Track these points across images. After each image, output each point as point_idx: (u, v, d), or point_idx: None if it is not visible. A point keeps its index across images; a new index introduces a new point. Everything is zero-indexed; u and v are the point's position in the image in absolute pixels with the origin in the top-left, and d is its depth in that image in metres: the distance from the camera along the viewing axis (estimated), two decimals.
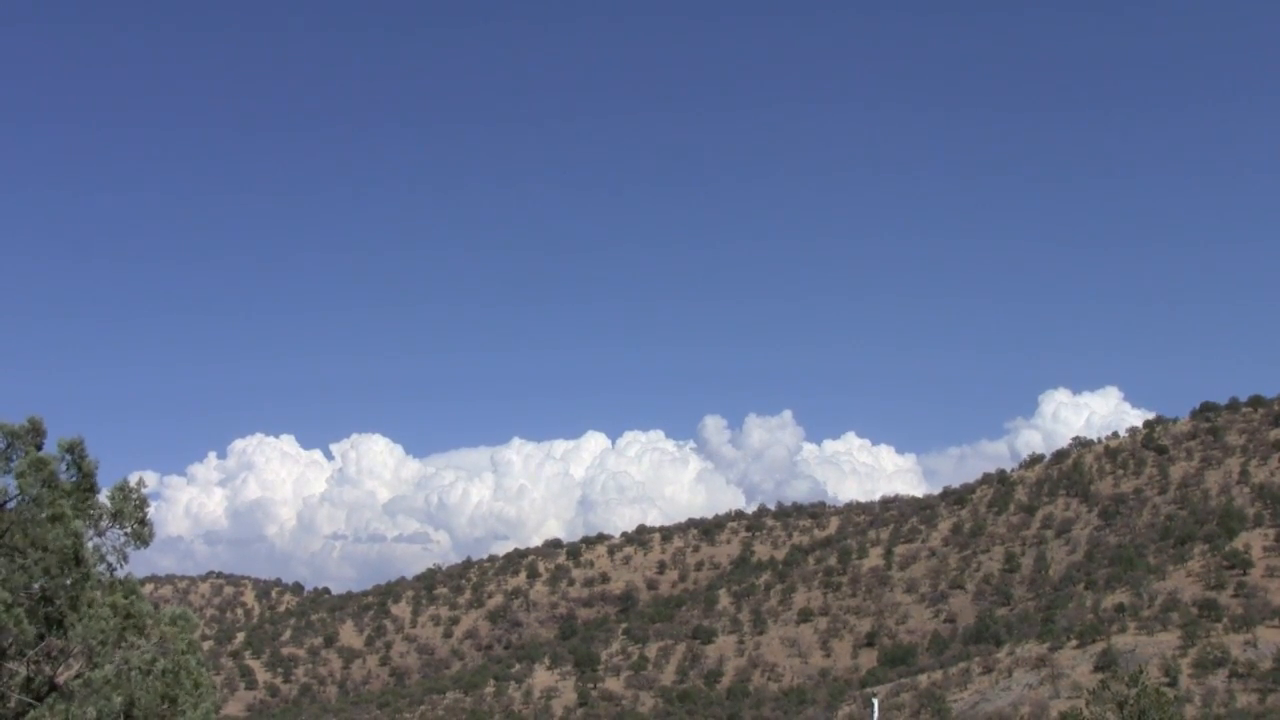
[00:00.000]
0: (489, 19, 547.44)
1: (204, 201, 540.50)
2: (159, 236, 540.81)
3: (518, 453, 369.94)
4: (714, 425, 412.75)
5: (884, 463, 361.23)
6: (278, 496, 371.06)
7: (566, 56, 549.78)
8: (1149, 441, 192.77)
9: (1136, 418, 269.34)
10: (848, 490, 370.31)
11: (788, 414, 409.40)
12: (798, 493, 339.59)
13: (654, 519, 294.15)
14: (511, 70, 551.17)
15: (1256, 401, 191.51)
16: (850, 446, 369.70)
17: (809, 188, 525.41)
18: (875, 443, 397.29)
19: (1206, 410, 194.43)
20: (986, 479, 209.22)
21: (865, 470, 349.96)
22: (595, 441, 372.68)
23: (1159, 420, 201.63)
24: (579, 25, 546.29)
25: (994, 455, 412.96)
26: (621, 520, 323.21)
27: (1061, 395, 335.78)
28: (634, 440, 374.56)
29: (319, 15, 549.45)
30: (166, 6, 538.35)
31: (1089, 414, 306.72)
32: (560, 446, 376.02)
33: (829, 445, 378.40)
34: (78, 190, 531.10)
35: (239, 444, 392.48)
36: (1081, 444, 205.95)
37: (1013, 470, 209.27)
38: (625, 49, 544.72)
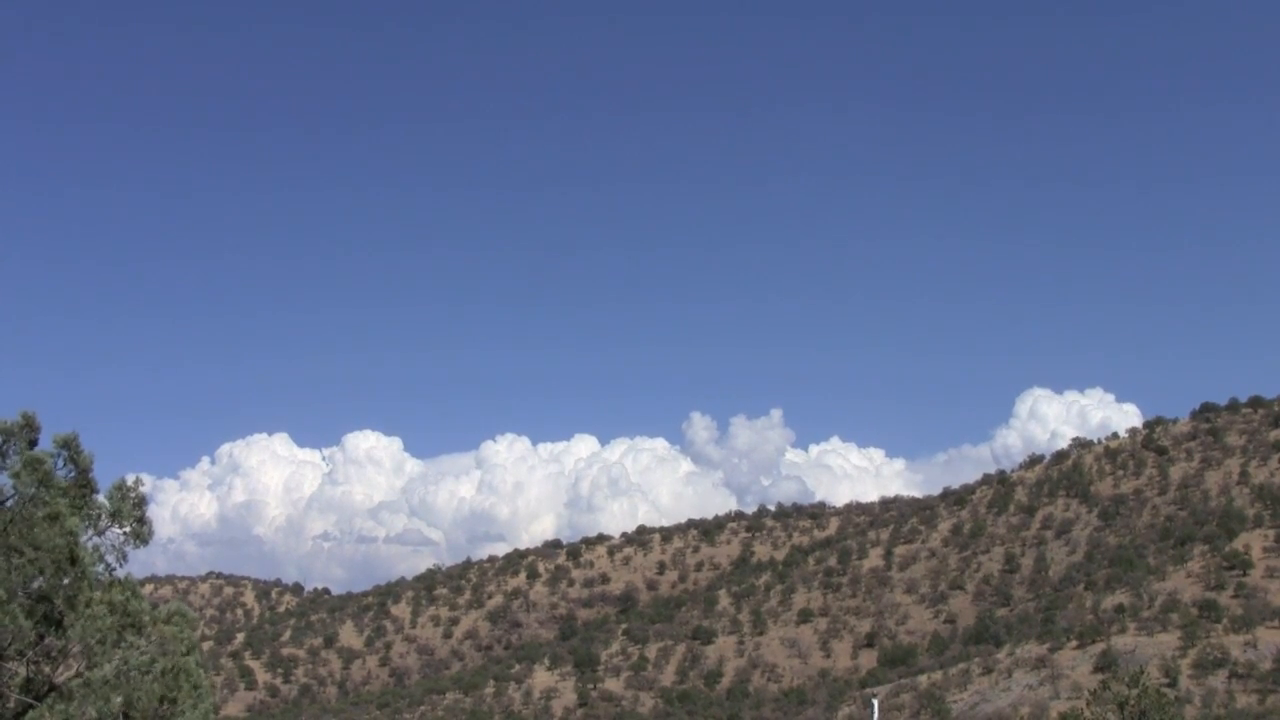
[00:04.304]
0: (488, 18, 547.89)
1: (200, 201, 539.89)
2: (155, 236, 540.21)
3: (508, 452, 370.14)
4: (700, 424, 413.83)
5: (869, 466, 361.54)
6: (270, 497, 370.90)
7: (562, 56, 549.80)
8: (1149, 442, 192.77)
9: (1131, 417, 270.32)
10: (831, 493, 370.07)
11: (775, 415, 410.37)
12: (783, 494, 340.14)
13: (644, 516, 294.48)
14: (509, 70, 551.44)
15: (1256, 402, 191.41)
16: (834, 449, 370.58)
17: (795, 190, 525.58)
18: (861, 445, 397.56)
19: (1206, 411, 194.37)
20: (986, 479, 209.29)
21: (855, 473, 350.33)
22: (585, 443, 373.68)
23: (1159, 421, 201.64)
24: (578, 25, 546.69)
25: (977, 459, 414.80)
26: (611, 519, 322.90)
27: (1051, 396, 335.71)
28: (624, 440, 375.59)
29: (319, 15, 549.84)
30: (166, 6, 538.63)
31: (1079, 412, 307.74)
32: (550, 448, 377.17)
33: (814, 448, 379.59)
34: (73, 190, 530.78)
35: (233, 444, 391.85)
36: (1081, 445, 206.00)
37: (1012, 471, 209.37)
38: (608, 48, 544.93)
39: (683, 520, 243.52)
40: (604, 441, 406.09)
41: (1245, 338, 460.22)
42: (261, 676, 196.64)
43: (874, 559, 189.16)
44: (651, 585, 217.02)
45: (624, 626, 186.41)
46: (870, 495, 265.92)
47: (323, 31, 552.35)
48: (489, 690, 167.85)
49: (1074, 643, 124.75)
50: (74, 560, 20.32)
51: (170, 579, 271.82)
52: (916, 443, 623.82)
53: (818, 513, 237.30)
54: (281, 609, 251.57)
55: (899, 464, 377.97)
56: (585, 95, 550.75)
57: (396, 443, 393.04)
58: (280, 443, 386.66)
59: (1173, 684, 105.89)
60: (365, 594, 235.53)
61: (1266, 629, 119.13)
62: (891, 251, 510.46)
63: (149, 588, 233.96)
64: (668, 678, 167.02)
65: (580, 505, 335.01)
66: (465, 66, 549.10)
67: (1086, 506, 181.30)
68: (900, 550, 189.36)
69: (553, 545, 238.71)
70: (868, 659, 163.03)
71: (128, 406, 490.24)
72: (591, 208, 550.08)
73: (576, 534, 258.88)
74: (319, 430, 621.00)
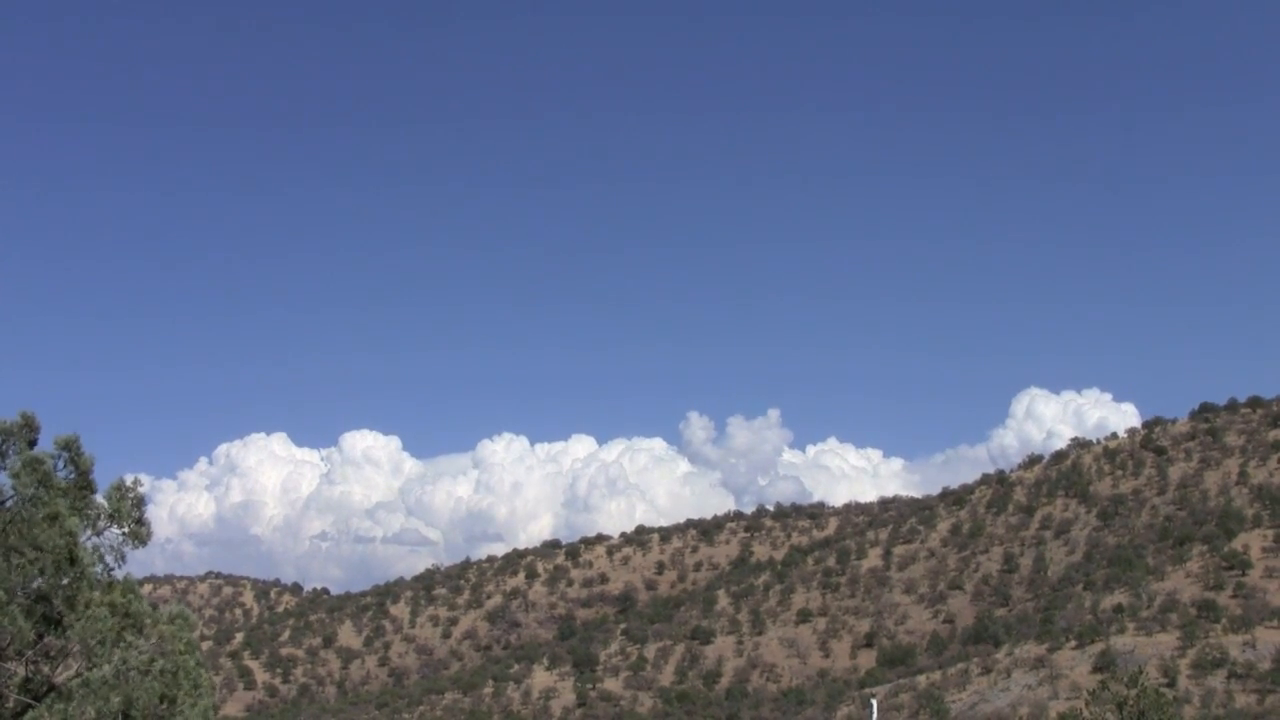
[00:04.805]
0: (489, 18, 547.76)
1: (200, 201, 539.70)
2: (154, 237, 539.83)
3: (505, 452, 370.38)
4: (698, 424, 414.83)
5: (867, 466, 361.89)
6: (267, 498, 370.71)
7: (562, 56, 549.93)
8: (1148, 442, 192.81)
9: (1129, 417, 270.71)
10: (829, 493, 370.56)
11: (773, 415, 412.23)
12: (781, 494, 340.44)
13: (641, 516, 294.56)
14: (509, 70, 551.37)
15: (1255, 402, 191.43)
16: (831, 449, 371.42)
17: (794, 190, 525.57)
18: (859, 446, 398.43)
19: (1205, 411, 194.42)
20: (985, 479, 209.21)
21: (852, 474, 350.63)
22: (582, 443, 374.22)
23: (1158, 421, 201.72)
24: (578, 25, 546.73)
25: (974, 459, 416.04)
26: (609, 519, 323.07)
27: (1048, 396, 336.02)
28: (622, 440, 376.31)
29: (318, 14, 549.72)
30: (166, 6, 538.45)
31: (1075, 411, 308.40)
32: (548, 448, 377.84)
33: (811, 449, 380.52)
34: (74, 190, 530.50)
35: (230, 444, 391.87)
36: (1080, 445, 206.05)
37: (1011, 471, 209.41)
38: (609, 48, 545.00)
39: (681, 520, 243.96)
40: (601, 442, 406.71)
41: (1245, 338, 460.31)
42: (260, 676, 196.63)
43: (873, 559, 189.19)
44: (650, 585, 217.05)
45: (623, 626, 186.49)
46: (867, 496, 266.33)
47: (323, 31, 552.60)
48: (488, 690, 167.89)
49: (1073, 643, 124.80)
50: (73, 560, 20.34)
51: (169, 579, 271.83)
52: (913, 443, 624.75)
53: (816, 513, 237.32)
54: (280, 609, 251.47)
55: (896, 464, 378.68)
56: (585, 95, 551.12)
57: (395, 442, 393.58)
58: (278, 442, 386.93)
59: (1172, 684, 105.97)
60: (364, 594, 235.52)
61: (1265, 629, 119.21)
62: (888, 252, 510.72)
63: (148, 588, 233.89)
64: (667, 678, 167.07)
65: (578, 505, 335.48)
66: (465, 66, 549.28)
67: (1085, 506, 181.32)
68: (899, 550, 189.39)
69: (551, 545, 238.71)
70: (866, 659, 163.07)
71: (126, 407, 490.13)
72: (591, 208, 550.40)
73: (574, 534, 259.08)
74: (317, 430, 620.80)
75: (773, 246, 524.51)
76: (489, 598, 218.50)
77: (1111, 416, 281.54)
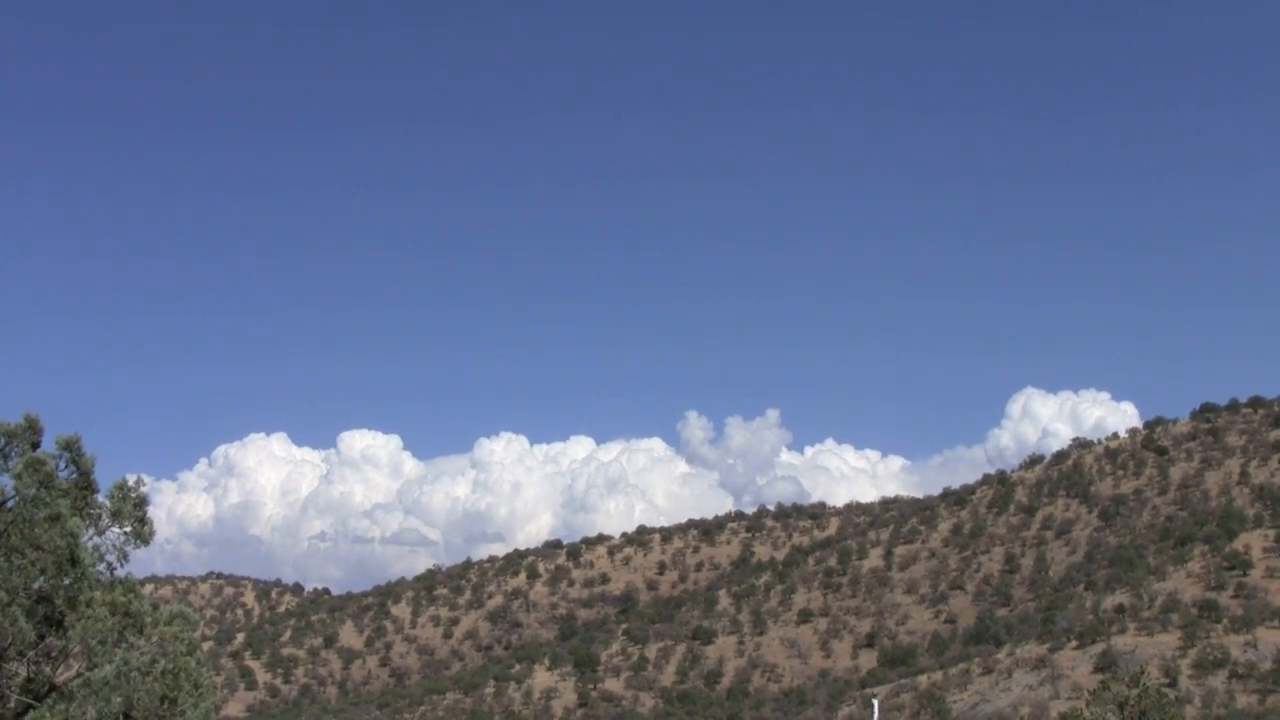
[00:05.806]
0: (489, 18, 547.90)
1: (200, 201, 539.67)
2: (155, 237, 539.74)
3: (505, 452, 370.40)
4: (696, 424, 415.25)
5: (865, 467, 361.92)
6: (266, 498, 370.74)
7: (562, 56, 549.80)
8: (1149, 442, 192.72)
9: (1129, 417, 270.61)
10: (827, 494, 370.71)
11: (772, 415, 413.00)
12: (779, 494, 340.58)
13: (640, 516, 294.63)
14: (509, 70, 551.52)
15: (1256, 402, 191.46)
16: (829, 449, 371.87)
17: (794, 190, 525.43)
18: (857, 447, 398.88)
19: (1206, 411, 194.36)
20: (986, 479, 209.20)
21: (850, 474, 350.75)
22: (581, 444, 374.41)
23: (1159, 421, 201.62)
24: (578, 25, 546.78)
25: (972, 460, 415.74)
26: (608, 520, 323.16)
27: (1045, 396, 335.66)
28: (620, 441, 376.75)
29: (319, 14, 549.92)
30: (167, 6, 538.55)
31: (1071, 410, 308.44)
32: (546, 448, 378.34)
33: (809, 450, 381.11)
34: (74, 190, 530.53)
35: (230, 445, 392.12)
36: (1081, 445, 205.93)
37: (1012, 471, 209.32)
38: (609, 48, 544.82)
39: (680, 520, 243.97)
40: (600, 442, 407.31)
41: (1245, 338, 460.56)
42: (262, 677, 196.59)
43: (874, 559, 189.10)
44: (652, 585, 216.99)
45: (624, 626, 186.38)
46: (865, 496, 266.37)
47: (323, 31, 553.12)
48: (489, 690, 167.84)
49: (1074, 643, 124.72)
50: (75, 561, 20.34)
51: (170, 579, 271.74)
52: (911, 444, 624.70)
53: (818, 513, 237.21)
54: (281, 609, 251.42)
55: (894, 465, 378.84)
56: (585, 95, 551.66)
57: (394, 442, 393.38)
58: (278, 442, 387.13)
59: (1173, 684, 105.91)
60: (365, 594, 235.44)
61: (1266, 629, 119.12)
62: (887, 252, 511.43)
63: (149, 588, 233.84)
64: (668, 678, 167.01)
65: (576, 505, 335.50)
66: (465, 66, 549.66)
67: (1087, 507, 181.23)
68: (900, 550, 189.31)
69: (553, 545, 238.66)
70: (868, 659, 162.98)
71: (126, 407, 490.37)
72: (590, 208, 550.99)
73: (573, 534, 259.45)
74: (317, 430, 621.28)
75: (773, 246, 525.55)
76: (490, 598, 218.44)
77: (1110, 416, 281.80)
